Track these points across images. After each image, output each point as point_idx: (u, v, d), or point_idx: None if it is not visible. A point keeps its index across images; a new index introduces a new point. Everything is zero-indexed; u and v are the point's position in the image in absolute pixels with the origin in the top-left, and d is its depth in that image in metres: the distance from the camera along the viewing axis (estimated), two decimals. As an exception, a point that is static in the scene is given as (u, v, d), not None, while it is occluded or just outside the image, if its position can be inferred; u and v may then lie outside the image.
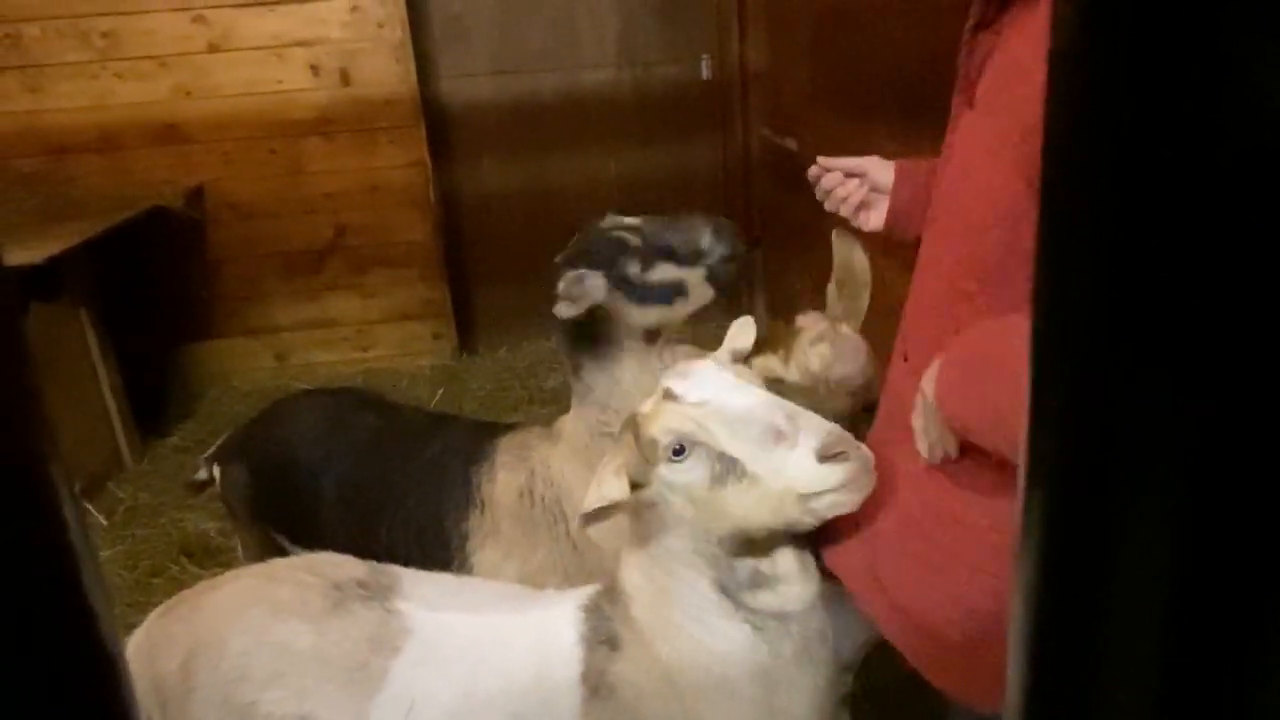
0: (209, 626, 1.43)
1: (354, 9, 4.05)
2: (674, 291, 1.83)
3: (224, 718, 1.36)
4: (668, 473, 1.21)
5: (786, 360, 1.53)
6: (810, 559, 1.31)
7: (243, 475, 2.22)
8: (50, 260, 2.85)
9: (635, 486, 1.23)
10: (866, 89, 2.99)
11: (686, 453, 1.19)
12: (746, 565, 1.26)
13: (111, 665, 0.28)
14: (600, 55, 4.47)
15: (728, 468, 1.17)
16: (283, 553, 2.12)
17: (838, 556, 1.30)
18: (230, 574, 1.60)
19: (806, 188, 1.60)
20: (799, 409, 1.19)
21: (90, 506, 3.27)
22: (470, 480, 2.00)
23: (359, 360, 4.48)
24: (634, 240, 1.83)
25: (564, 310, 1.78)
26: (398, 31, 4.08)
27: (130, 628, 1.56)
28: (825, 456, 1.13)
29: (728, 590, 1.26)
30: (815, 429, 1.15)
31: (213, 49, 4.01)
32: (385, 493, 2.05)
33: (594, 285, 1.78)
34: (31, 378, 0.26)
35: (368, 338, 4.50)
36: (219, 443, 2.38)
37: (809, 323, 1.57)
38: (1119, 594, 0.26)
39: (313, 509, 2.09)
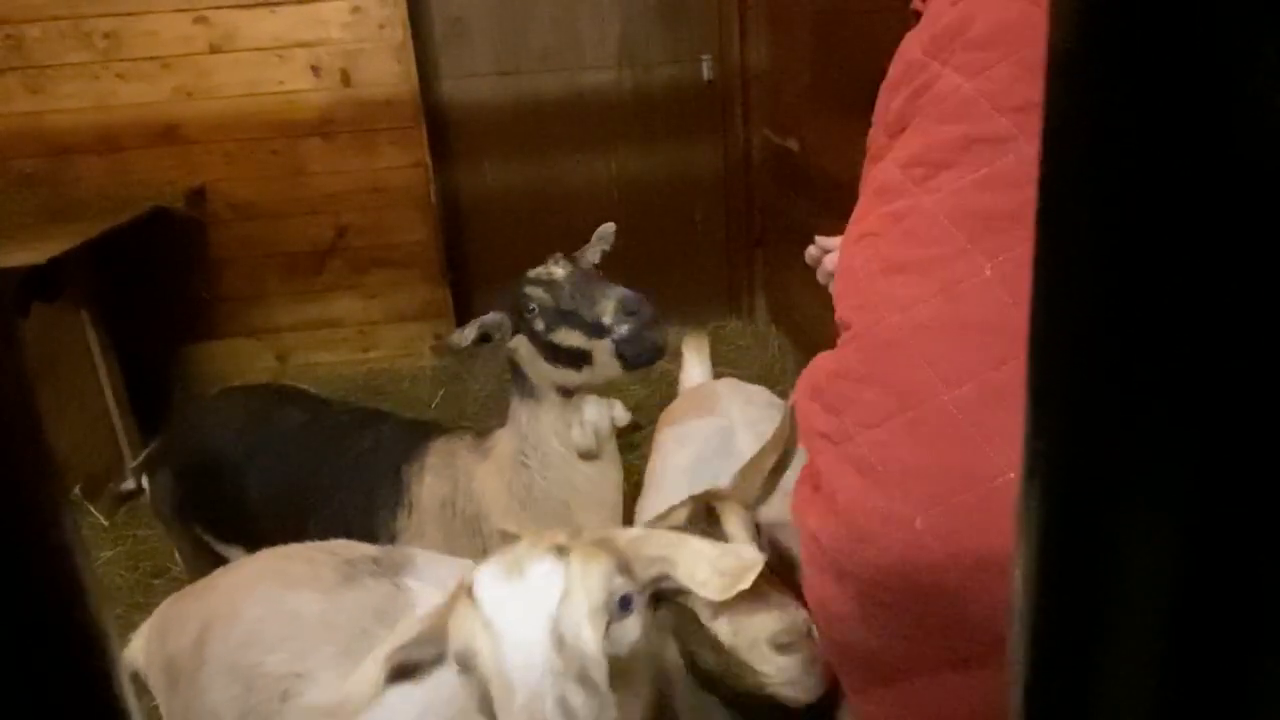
0: (224, 600, 1.46)
1: (355, 10, 4.05)
2: (580, 358, 1.84)
3: (230, 683, 1.38)
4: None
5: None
6: None
7: (168, 480, 2.23)
8: (52, 261, 2.85)
9: None
10: (867, 90, 2.98)
11: (465, 669, 0.98)
12: None
13: (108, 675, 0.28)
14: (601, 56, 4.47)
15: (487, 707, 0.96)
16: (216, 554, 2.13)
17: None
18: (246, 558, 1.63)
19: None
20: (567, 706, 0.90)
21: (91, 507, 3.27)
22: (401, 480, 2.02)
23: (360, 361, 4.48)
24: (544, 298, 1.84)
25: (454, 339, 1.86)
26: (399, 32, 4.08)
27: (132, 628, 1.58)
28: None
29: None
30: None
31: (214, 50, 4.01)
32: (314, 488, 2.07)
33: (490, 323, 1.86)
34: (25, 381, 0.25)
35: (369, 338, 4.51)
36: (144, 452, 2.37)
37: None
38: (1119, 595, 0.26)
39: (240, 507, 2.10)
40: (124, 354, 3.62)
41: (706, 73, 4.54)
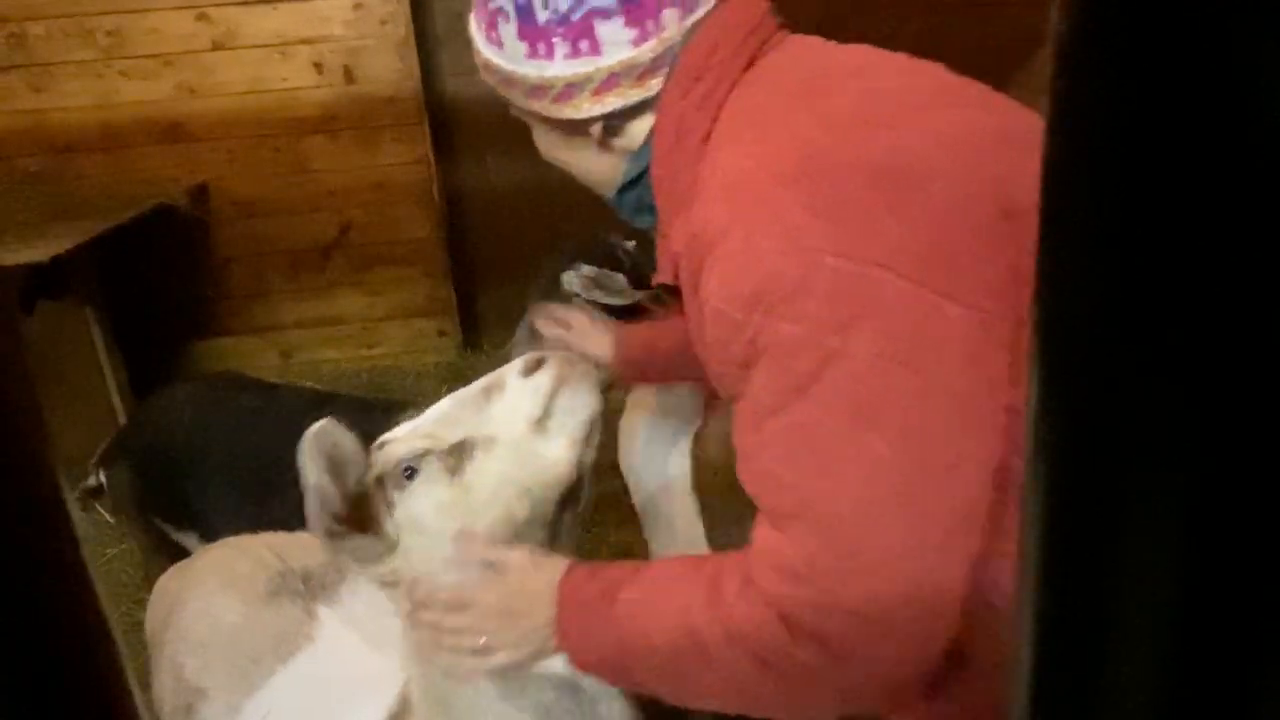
0: (186, 585, 1.49)
1: (357, 6, 4.04)
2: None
3: (166, 674, 1.41)
4: (407, 501, 1.07)
5: None
6: None
7: (126, 473, 2.23)
8: (56, 259, 2.86)
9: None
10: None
11: (415, 470, 1.06)
12: None
13: (112, 673, 0.28)
14: (604, 51, 4.46)
15: (457, 453, 1.05)
16: (176, 548, 2.14)
17: None
18: (220, 541, 1.66)
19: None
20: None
21: (97, 504, 3.28)
22: None
23: (364, 357, 4.49)
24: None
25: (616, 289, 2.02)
26: (401, 29, 4.08)
27: (137, 625, 1.60)
28: (528, 371, 1.07)
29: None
30: (513, 363, 1.10)
31: (217, 47, 4.01)
32: (266, 473, 2.03)
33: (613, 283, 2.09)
34: (29, 380, 0.25)
35: (373, 335, 4.51)
36: (101, 449, 2.38)
37: None
38: (1124, 591, 0.26)
39: (199, 494, 2.10)
40: (128, 351, 3.63)
41: (709, 68, 4.53)
